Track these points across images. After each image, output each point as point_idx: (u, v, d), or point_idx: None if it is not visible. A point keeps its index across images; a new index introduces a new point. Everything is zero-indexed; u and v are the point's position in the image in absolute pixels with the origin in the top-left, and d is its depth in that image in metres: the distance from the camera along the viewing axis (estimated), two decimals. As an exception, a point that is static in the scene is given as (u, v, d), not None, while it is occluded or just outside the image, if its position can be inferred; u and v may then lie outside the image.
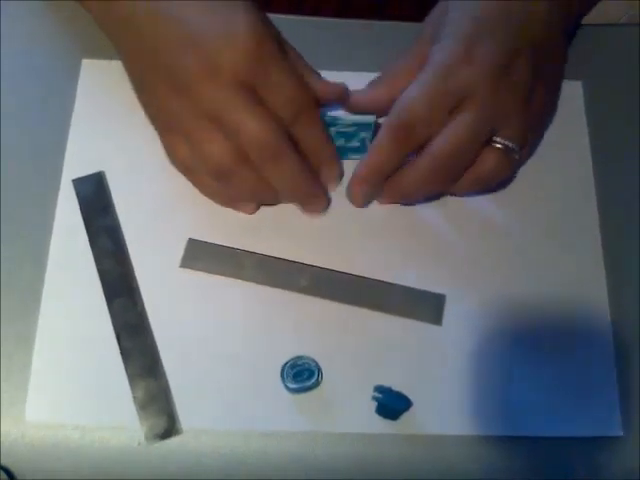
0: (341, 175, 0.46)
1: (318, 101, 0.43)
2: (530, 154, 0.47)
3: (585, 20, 0.51)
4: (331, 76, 0.45)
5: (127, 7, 0.42)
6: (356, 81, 0.46)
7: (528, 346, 0.43)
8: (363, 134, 0.45)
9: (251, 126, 0.39)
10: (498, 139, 0.42)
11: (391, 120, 0.41)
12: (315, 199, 0.45)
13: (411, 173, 0.42)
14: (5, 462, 0.40)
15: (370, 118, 0.44)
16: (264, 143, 0.39)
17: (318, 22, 0.50)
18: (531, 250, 0.45)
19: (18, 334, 0.42)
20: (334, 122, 0.44)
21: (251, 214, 0.45)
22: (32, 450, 0.40)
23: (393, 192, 0.44)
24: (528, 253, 0.45)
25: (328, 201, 0.46)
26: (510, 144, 0.42)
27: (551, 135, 0.48)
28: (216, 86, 0.39)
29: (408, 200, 0.45)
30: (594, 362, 0.43)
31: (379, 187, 0.44)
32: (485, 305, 0.44)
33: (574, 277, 0.45)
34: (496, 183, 0.45)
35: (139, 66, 0.43)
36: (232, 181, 0.42)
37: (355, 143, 0.46)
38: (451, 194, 0.46)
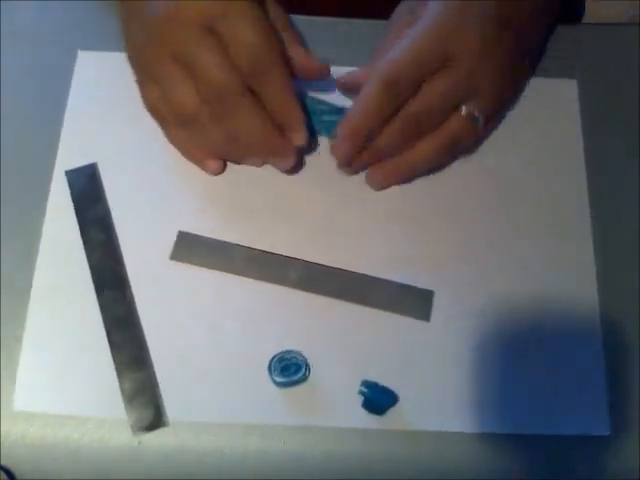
0: (305, 140, 0.43)
1: (285, 63, 0.42)
2: (494, 127, 0.47)
3: (585, 20, 0.51)
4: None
5: None
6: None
7: (516, 343, 0.43)
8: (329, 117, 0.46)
9: (209, 67, 0.39)
10: (465, 107, 0.43)
11: (379, 73, 0.41)
12: (280, 152, 0.43)
13: (385, 129, 0.43)
14: (5, 462, 0.40)
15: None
16: (222, 88, 0.39)
17: (318, 22, 0.50)
18: (520, 248, 0.45)
19: (7, 324, 0.42)
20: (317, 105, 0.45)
21: (216, 173, 0.45)
22: (32, 450, 0.40)
23: (371, 151, 0.44)
24: (517, 251, 0.45)
25: (298, 157, 0.44)
26: (476, 113, 0.43)
27: (545, 133, 0.48)
28: (181, 26, 0.39)
29: (375, 157, 0.45)
30: (582, 360, 0.43)
31: (362, 144, 0.43)
32: (473, 302, 0.44)
33: (564, 275, 0.45)
34: (457, 151, 0.45)
35: (125, 14, 0.44)
36: (196, 128, 0.42)
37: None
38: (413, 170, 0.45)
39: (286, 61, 0.42)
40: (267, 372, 0.41)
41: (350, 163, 0.45)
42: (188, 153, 0.45)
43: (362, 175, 0.46)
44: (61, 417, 0.41)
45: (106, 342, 0.42)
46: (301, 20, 0.49)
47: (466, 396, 0.42)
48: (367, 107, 0.42)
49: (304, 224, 0.45)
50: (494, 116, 0.46)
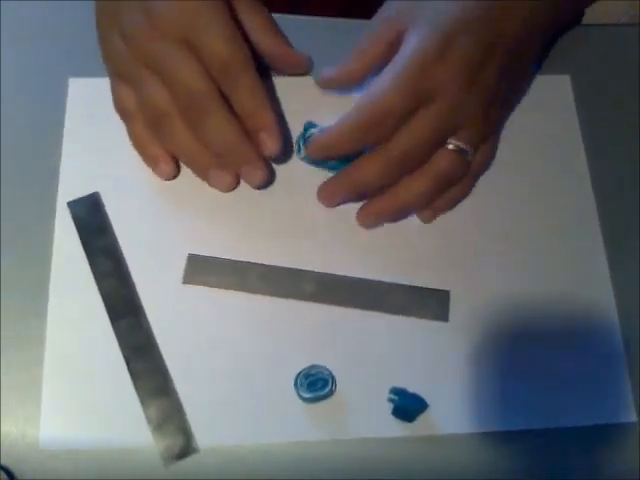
0: (279, 144, 0.43)
1: (254, 68, 0.42)
2: (487, 158, 0.46)
3: (585, 20, 0.51)
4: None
5: None
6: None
7: (536, 336, 0.43)
8: None
9: (183, 75, 0.41)
10: (453, 140, 0.42)
11: (361, 108, 0.41)
12: (251, 160, 0.43)
13: (365, 164, 0.42)
14: (5, 462, 0.39)
15: None
16: (194, 93, 0.41)
17: (318, 22, 0.50)
18: (531, 243, 0.45)
19: (26, 361, 0.42)
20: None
21: (168, 178, 0.45)
22: (32, 450, 0.40)
23: (346, 182, 0.44)
24: (528, 247, 0.45)
25: (268, 172, 0.44)
26: (464, 146, 0.42)
27: (544, 131, 0.48)
28: (155, 39, 0.41)
29: (359, 194, 0.44)
30: (603, 350, 0.43)
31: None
32: (489, 299, 0.44)
33: (576, 268, 0.45)
34: (448, 184, 0.44)
35: (101, 19, 0.45)
36: (162, 129, 0.43)
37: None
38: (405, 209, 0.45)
39: (256, 66, 0.42)
40: (293, 389, 0.41)
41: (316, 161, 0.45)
42: (145, 151, 0.45)
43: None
44: (88, 452, 0.40)
45: (127, 373, 0.41)
46: (301, 20, 0.49)
47: (492, 395, 0.42)
48: (341, 136, 0.42)
49: (313, 236, 0.45)
50: (485, 146, 0.45)
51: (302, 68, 0.47)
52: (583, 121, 0.49)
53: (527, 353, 0.43)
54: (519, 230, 0.46)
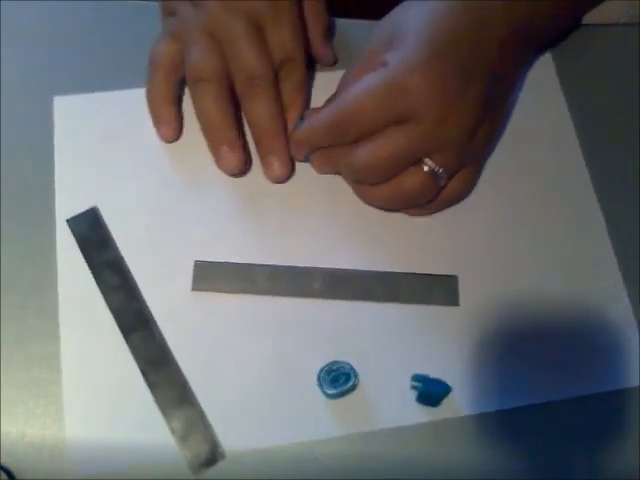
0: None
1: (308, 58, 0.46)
2: (464, 187, 0.45)
3: (585, 20, 0.51)
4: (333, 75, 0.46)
5: None
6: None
7: (546, 316, 0.44)
8: None
9: (248, 56, 0.42)
10: (428, 161, 0.41)
11: (333, 110, 0.41)
12: (276, 155, 0.44)
13: (342, 162, 0.43)
14: (5, 462, 0.39)
15: None
16: (256, 73, 0.43)
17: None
18: (534, 227, 0.46)
19: (26, 361, 0.41)
20: None
21: (166, 141, 0.46)
22: (32, 450, 0.39)
23: (327, 160, 0.45)
24: (532, 230, 0.46)
25: (289, 169, 0.45)
26: (437, 169, 0.41)
27: (533, 114, 0.49)
28: (226, 12, 0.43)
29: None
30: (615, 322, 0.44)
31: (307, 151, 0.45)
32: (497, 281, 0.44)
33: (579, 245, 0.46)
34: (415, 203, 0.44)
35: None
36: (199, 90, 0.44)
37: None
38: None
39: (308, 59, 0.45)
40: (314, 387, 0.41)
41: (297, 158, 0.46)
42: (156, 106, 0.46)
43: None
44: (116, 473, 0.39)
45: (145, 384, 0.41)
46: None
47: (510, 372, 0.42)
48: (312, 131, 0.43)
49: (318, 233, 0.45)
50: (463, 174, 0.44)
51: (330, 63, 0.49)
52: (583, 121, 0.49)
53: (538, 331, 0.43)
54: (522, 216, 0.46)
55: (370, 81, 0.40)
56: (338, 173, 0.46)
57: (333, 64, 0.49)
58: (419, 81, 0.39)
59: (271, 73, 0.43)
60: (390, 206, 0.45)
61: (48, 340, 0.42)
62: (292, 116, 0.45)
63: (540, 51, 0.50)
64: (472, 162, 0.44)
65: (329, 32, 0.49)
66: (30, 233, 0.44)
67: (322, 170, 0.46)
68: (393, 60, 0.40)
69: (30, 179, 0.45)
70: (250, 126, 0.44)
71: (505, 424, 0.42)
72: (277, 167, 0.44)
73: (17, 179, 0.45)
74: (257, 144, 0.45)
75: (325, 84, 0.47)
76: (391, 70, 0.40)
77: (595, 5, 0.50)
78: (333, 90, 0.45)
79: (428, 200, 0.43)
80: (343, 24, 0.51)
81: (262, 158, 0.45)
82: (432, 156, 0.41)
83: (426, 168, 0.41)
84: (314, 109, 0.45)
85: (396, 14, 0.44)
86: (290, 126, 0.45)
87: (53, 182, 0.45)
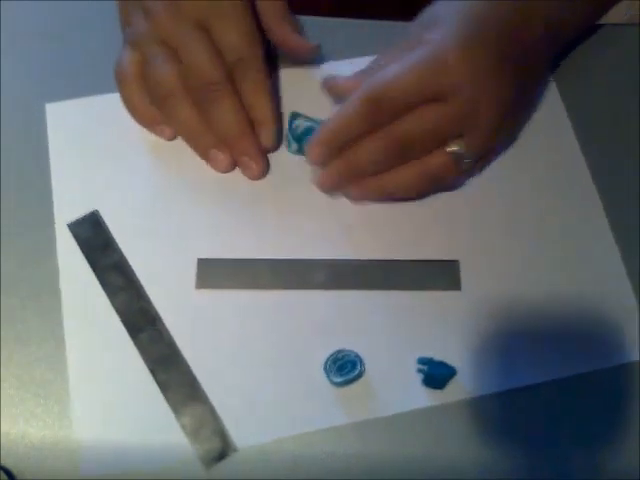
0: (273, 136, 0.45)
1: (265, 61, 0.45)
2: (487, 164, 0.46)
3: None
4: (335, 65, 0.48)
5: None
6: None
7: (545, 293, 0.44)
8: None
9: (199, 59, 0.42)
10: (452, 145, 0.42)
11: (366, 90, 0.41)
12: (249, 151, 0.45)
13: (365, 143, 0.42)
14: (5, 462, 0.39)
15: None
16: (207, 77, 0.42)
17: (318, 22, 0.51)
18: (533, 209, 0.46)
19: (26, 361, 0.42)
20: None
21: (170, 138, 0.47)
22: (32, 450, 0.40)
23: (346, 165, 0.43)
24: (530, 212, 0.46)
25: (264, 166, 0.46)
26: (463, 152, 0.42)
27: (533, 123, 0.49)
28: (176, 19, 0.43)
29: (353, 177, 0.44)
30: (612, 309, 0.44)
31: (335, 153, 0.43)
32: (497, 264, 0.45)
33: (578, 228, 0.46)
34: (438, 186, 0.45)
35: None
36: (167, 106, 0.44)
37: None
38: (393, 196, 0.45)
39: (266, 58, 0.45)
40: (321, 377, 0.41)
41: (321, 165, 0.44)
42: (139, 114, 0.46)
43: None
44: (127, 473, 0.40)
45: (154, 383, 0.41)
46: (301, 20, 0.50)
47: (514, 353, 0.43)
48: (346, 119, 0.42)
49: (317, 225, 0.46)
50: (487, 156, 0.45)
51: (310, 56, 0.48)
52: (583, 121, 0.49)
53: (539, 309, 0.44)
54: (521, 200, 0.47)
55: (410, 57, 0.41)
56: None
57: (312, 56, 0.48)
58: (459, 56, 0.40)
59: (225, 76, 0.43)
60: (412, 190, 0.44)
61: (48, 340, 0.42)
62: (257, 116, 0.44)
63: (562, 53, 0.50)
64: (493, 151, 0.45)
65: (295, 25, 0.48)
66: (30, 234, 0.45)
67: (346, 172, 0.44)
68: (434, 37, 0.41)
69: (30, 181, 0.46)
70: (215, 131, 0.44)
71: (508, 407, 0.42)
72: (253, 166, 0.45)
73: (16, 181, 0.46)
74: (227, 145, 0.45)
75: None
76: (432, 46, 0.41)
77: (615, 3, 0.50)
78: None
79: (450, 183, 0.44)
80: (343, 24, 0.51)
81: (236, 160, 0.45)
82: (458, 140, 0.42)
83: (453, 149, 0.42)
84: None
85: (436, 4, 0.44)
86: (258, 127, 0.45)
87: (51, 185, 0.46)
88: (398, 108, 0.41)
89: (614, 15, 0.51)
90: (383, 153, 0.42)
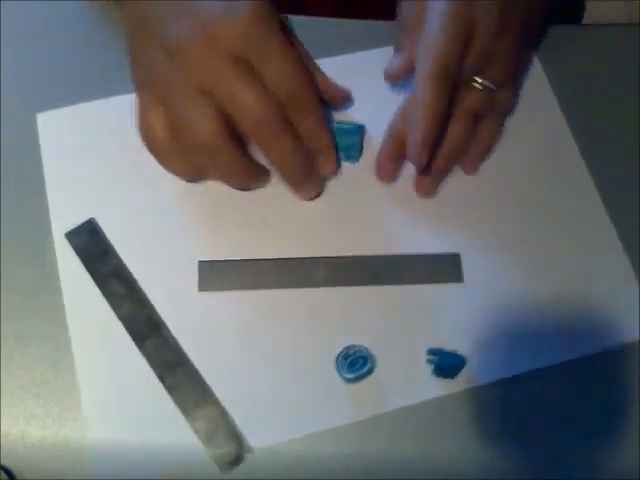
0: (337, 165, 0.46)
1: (318, 91, 0.43)
2: (511, 96, 0.47)
3: (585, 20, 0.51)
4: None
5: None
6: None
7: (547, 284, 0.45)
8: (349, 140, 0.46)
9: (249, 100, 0.38)
10: (479, 79, 0.43)
11: (431, 69, 0.41)
12: (309, 184, 0.44)
13: (454, 133, 0.44)
14: (5, 462, 0.39)
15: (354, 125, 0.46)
16: (264, 119, 0.38)
17: (318, 22, 0.50)
18: (532, 200, 0.47)
19: (26, 361, 0.41)
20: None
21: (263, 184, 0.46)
22: (32, 450, 0.40)
23: (445, 162, 0.45)
24: (530, 202, 0.47)
25: (321, 187, 0.46)
26: (489, 84, 0.44)
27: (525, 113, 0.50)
28: (211, 55, 0.37)
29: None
30: (618, 290, 0.45)
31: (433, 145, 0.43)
32: (498, 255, 0.45)
33: (575, 212, 0.47)
34: (476, 119, 0.46)
35: (133, 29, 0.41)
36: (215, 160, 0.40)
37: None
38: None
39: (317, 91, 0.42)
40: (331, 375, 0.41)
41: (422, 166, 0.43)
42: (187, 176, 0.44)
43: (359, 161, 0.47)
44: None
45: (164, 391, 0.40)
46: (301, 20, 0.49)
47: (521, 338, 0.43)
48: (431, 108, 0.41)
49: (317, 221, 0.46)
50: (509, 85, 0.46)
51: (345, 102, 0.47)
52: (583, 122, 0.49)
53: (540, 296, 0.44)
54: (520, 191, 0.47)
55: (439, 25, 0.41)
56: None
57: (346, 102, 0.47)
58: (474, 6, 0.42)
59: (278, 113, 0.39)
60: (463, 132, 0.45)
61: (48, 340, 0.42)
62: (316, 146, 0.43)
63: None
64: (515, 75, 0.47)
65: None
66: (29, 234, 0.44)
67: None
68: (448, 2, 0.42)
69: (27, 186, 0.45)
70: (275, 169, 0.43)
71: (507, 403, 0.42)
72: (310, 192, 0.45)
73: (15, 182, 0.45)
74: (287, 182, 0.43)
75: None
76: (451, 8, 0.41)
77: None
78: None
79: (485, 112, 0.45)
80: (343, 24, 0.51)
81: (297, 192, 0.45)
82: (483, 72, 0.43)
83: (477, 84, 0.43)
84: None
85: None
86: (319, 156, 0.44)
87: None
88: (459, 65, 0.42)
89: (614, 15, 0.51)
90: (464, 129, 0.44)
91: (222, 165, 0.41)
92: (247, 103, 0.38)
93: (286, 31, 0.41)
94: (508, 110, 0.48)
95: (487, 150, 0.47)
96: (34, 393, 0.41)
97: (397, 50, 0.47)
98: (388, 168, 0.46)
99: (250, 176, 0.44)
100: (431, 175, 0.45)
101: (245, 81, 0.38)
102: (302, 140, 0.42)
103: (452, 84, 0.42)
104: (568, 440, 0.42)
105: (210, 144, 0.39)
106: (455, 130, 0.44)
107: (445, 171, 0.46)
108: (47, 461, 0.39)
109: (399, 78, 0.47)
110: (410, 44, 0.45)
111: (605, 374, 0.43)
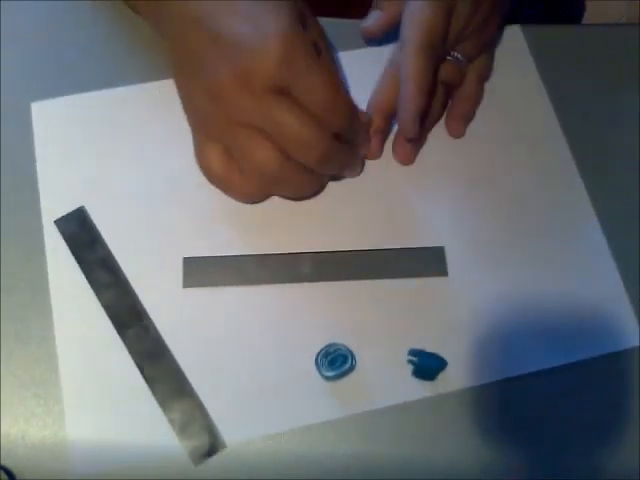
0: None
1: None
2: (488, 63, 0.49)
3: (585, 20, 0.51)
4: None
5: (168, 12, 0.41)
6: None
7: (535, 281, 0.44)
8: None
9: (295, 128, 0.38)
10: (455, 53, 0.46)
11: (420, 42, 0.42)
12: (355, 167, 0.46)
13: (434, 108, 0.46)
14: (5, 462, 0.39)
15: None
16: (311, 143, 0.39)
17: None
18: (516, 192, 0.47)
19: (26, 361, 0.41)
20: None
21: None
22: (32, 450, 0.40)
23: (425, 131, 0.47)
24: (514, 195, 0.47)
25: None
26: (461, 58, 0.46)
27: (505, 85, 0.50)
28: (248, 95, 0.38)
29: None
30: (602, 285, 0.44)
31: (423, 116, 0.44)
32: (483, 248, 0.45)
33: (560, 208, 0.46)
34: (452, 88, 0.47)
35: (178, 71, 0.42)
36: (279, 184, 0.42)
37: None
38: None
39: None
40: (311, 372, 0.41)
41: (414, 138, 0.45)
42: (262, 199, 0.46)
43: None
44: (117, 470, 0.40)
45: (143, 381, 0.41)
46: None
47: (508, 341, 0.42)
48: (423, 81, 0.42)
49: (302, 216, 0.45)
50: (486, 53, 0.48)
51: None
52: (583, 122, 0.49)
53: (527, 296, 0.44)
54: (503, 184, 0.47)
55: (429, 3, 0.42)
56: None
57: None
58: None
59: (327, 136, 0.39)
60: (441, 97, 0.47)
61: (48, 340, 0.42)
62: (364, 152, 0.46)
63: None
64: (490, 43, 0.49)
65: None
66: (28, 233, 0.44)
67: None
68: None
69: (20, 178, 0.46)
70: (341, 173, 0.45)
71: (503, 400, 0.42)
72: (354, 174, 0.47)
73: (13, 179, 0.46)
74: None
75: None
76: None
77: None
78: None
79: (459, 82, 0.47)
80: (343, 24, 0.51)
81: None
82: (461, 45, 0.45)
83: (451, 58, 0.46)
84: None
85: None
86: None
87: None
88: (445, 38, 0.43)
89: (614, 15, 0.51)
90: (440, 99, 0.46)
91: (292, 188, 0.43)
92: (293, 132, 0.38)
93: (323, 35, 0.42)
94: (486, 76, 0.49)
95: (469, 111, 0.48)
96: (34, 393, 0.41)
97: (375, 10, 0.48)
98: (376, 144, 0.47)
99: (322, 183, 0.45)
100: (412, 143, 0.46)
101: (285, 111, 0.38)
102: (348, 145, 0.43)
103: (438, 58, 0.44)
104: (568, 440, 0.41)
105: (273, 173, 0.40)
106: (433, 102, 0.46)
107: (424, 139, 0.48)
108: (47, 461, 0.39)
109: (376, 35, 0.48)
110: (390, 8, 0.47)
111: (605, 374, 0.42)
